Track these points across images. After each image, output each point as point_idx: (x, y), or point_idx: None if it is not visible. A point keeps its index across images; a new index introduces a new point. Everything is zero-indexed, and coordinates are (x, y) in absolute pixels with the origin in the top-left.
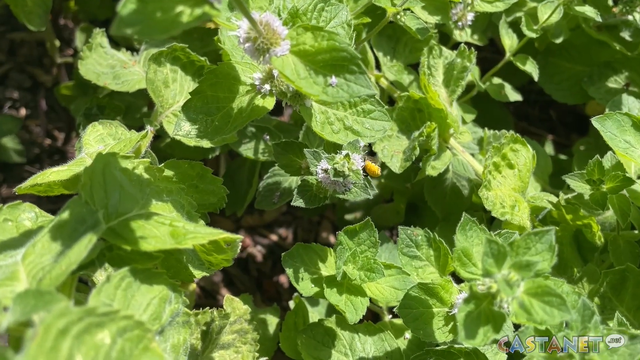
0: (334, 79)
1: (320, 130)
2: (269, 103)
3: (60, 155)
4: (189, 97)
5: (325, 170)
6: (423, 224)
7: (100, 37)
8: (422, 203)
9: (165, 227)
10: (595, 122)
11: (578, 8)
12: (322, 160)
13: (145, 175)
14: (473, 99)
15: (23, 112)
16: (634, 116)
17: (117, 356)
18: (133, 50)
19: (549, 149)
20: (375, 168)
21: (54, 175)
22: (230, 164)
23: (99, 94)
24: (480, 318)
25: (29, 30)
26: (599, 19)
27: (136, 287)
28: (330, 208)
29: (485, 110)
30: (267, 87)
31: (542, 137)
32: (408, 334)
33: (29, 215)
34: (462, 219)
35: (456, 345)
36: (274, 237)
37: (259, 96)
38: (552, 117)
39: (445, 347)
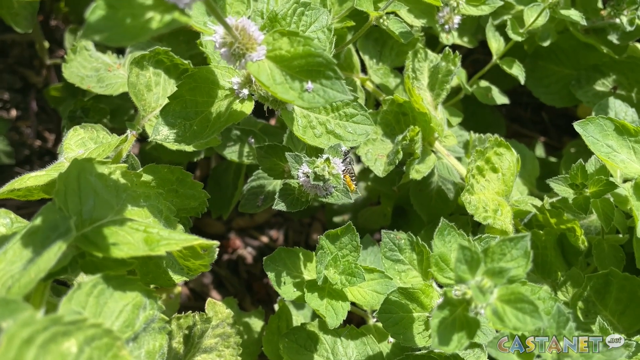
0: (310, 85)
1: (302, 135)
2: (247, 107)
3: (51, 157)
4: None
5: (306, 174)
6: (410, 226)
7: (85, 39)
8: (409, 206)
9: (139, 234)
10: (577, 126)
11: (563, 12)
12: (303, 164)
13: (122, 181)
14: (465, 101)
15: (14, 113)
16: (616, 120)
17: None
18: (120, 52)
19: (540, 151)
20: (352, 186)
21: (31, 180)
22: (216, 167)
23: (86, 96)
24: (455, 324)
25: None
26: (584, 22)
27: (109, 294)
28: (321, 210)
29: (477, 113)
30: (245, 91)
31: (534, 139)
32: (392, 338)
33: (3, 222)
34: (440, 223)
35: (436, 350)
36: (264, 239)
37: (237, 101)
38: (544, 119)
39: (425, 352)
